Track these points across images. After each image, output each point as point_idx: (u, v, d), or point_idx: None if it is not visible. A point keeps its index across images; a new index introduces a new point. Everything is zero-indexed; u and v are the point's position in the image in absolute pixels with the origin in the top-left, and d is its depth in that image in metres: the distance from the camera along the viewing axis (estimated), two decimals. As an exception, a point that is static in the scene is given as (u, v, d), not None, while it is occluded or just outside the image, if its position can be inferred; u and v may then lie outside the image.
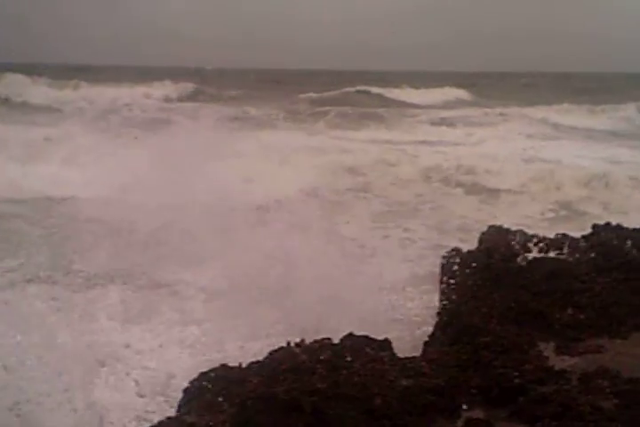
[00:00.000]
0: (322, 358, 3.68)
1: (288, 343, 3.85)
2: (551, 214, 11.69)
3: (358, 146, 17.66)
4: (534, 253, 5.59)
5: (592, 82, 55.49)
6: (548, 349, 4.11)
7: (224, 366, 3.72)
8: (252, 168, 13.68)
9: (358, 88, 39.39)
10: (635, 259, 5.23)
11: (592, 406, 3.33)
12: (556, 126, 25.20)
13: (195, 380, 3.65)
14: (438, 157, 16.36)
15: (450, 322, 4.43)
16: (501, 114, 28.18)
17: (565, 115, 28.59)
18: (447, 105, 35.95)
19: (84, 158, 14.08)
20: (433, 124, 26.08)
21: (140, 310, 6.75)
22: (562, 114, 28.69)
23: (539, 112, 28.55)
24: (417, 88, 42.22)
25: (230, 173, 13.52)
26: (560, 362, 3.92)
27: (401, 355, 4.06)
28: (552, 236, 5.90)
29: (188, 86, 36.50)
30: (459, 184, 13.96)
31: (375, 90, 39.86)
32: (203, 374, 3.66)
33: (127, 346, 5.90)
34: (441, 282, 5.45)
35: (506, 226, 6.18)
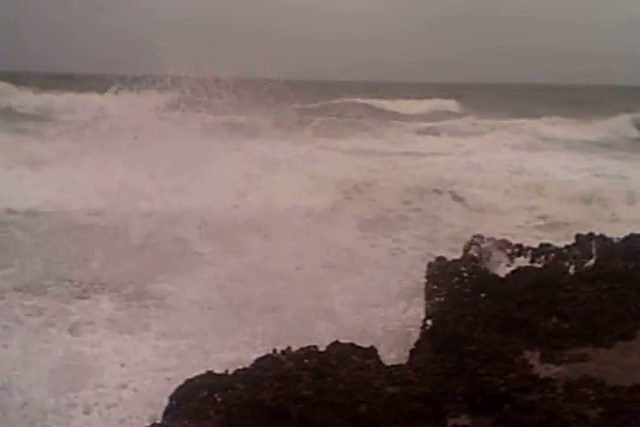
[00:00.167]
0: (308, 365, 3.68)
1: (274, 351, 3.85)
2: (537, 225, 11.77)
3: (345, 156, 17.71)
4: (519, 263, 5.63)
5: (579, 94, 56.05)
6: (532, 357, 4.12)
7: (210, 373, 3.71)
8: (242, 178, 13.69)
9: (349, 99, 39.49)
10: (618, 268, 5.27)
11: (577, 415, 3.34)
12: (545, 138, 25.37)
13: (180, 387, 3.64)
14: (423, 167, 16.45)
15: (435, 330, 4.46)
16: (490, 125, 28.39)
17: (554, 126, 28.83)
18: (436, 116, 36.11)
19: (73, 167, 14.02)
20: (420, 134, 26.22)
21: (127, 323, 6.70)
22: (551, 125, 28.94)
23: (528, 123, 28.76)
24: (407, 99, 42.41)
25: (220, 182, 13.54)
26: (545, 370, 3.94)
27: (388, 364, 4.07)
28: (536, 246, 5.96)
29: (175, 95, 36.41)
30: (446, 194, 14.01)
31: (366, 101, 40.01)
32: (188, 380, 3.65)
33: (107, 359, 5.82)
34: (426, 291, 5.47)
35: (490, 236, 6.23)
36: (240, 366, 4.02)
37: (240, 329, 6.47)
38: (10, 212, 11.53)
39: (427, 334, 4.63)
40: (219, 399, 3.47)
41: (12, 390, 4.95)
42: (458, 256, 5.99)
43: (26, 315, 6.67)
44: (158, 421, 3.62)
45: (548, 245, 6.04)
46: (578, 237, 6.19)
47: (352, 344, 4.04)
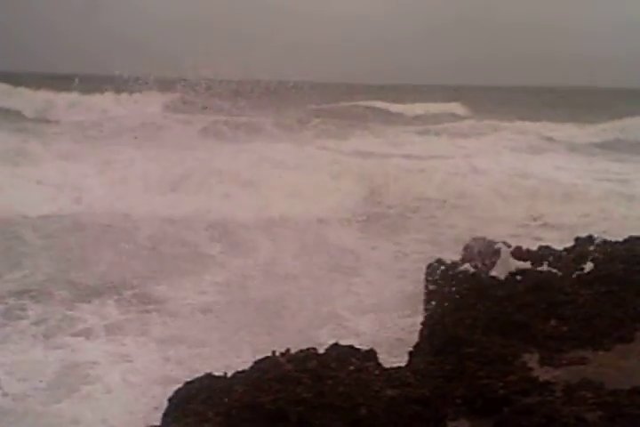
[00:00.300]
0: (307, 367, 3.68)
1: (273, 353, 3.85)
2: (537, 227, 11.77)
3: (349, 159, 17.67)
4: (518, 265, 5.63)
5: (580, 96, 56.05)
6: (532, 360, 4.12)
7: (209, 375, 3.72)
8: (242, 180, 13.72)
9: (353, 102, 39.49)
10: (617, 271, 5.27)
11: (576, 418, 3.34)
12: (546, 140, 25.37)
13: (180, 389, 3.64)
14: (426, 169, 16.43)
15: (434, 333, 4.46)
16: (492, 127, 28.43)
17: (556, 129, 28.85)
18: (440, 118, 36.09)
19: (74, 168, 14.05)
20: (423, 136, 26.22)
21: (128, 328, 6.70)
22: (553, 128, 28.96)
23: (530, 126, 28.79)
24: (413, 101, 42.39)
25: (220, 184, 13.58)
26: (544, 373, 3.94)
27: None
28: (536, 248, 5.96)
29: (176, 96, 36.39)
30: (448, 197, 13.99)
31: (369, 103, 40.01)
32: (188, 383, 3.66)
33: (100, 363, 5.81)
34: (425, 293, 5.48)
35: (490, 238, 6.24)
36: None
37: (240, 334, 6.49)
38: (17, 214, 11.51)
39: (426, 337, 4.64)
40: (218, 402, 3.47)
41: (7, 397, 4.97)
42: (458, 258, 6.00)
43: (29, 322, 6.71)
44: (157, 423, 3.63)
45: (547, 247, 6.05)
46: (577, 239, 6.20)
47: (351, 347, 4.04)
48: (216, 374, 3.74)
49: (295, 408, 3.27)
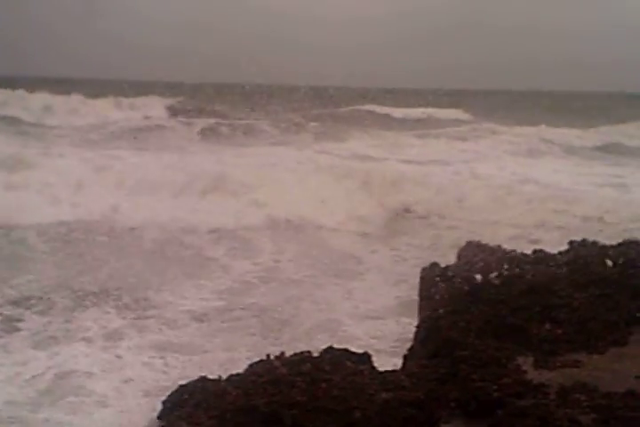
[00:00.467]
0: (302, 370, 3.69)
1: (268, 356, 3.87)
2: (533, 230, 11.76)
3: (349, 163, 17.64)
4: (512, 269, 5.64)
5: (578, 101, 56.05)
6: (526, 363, 4.13)
7: (203, 378, 3.73)
8: (244, 185, 13.74)
9: (354, 106, 39.51)
10: (611, 275, 5.29)
11: (570, 420, 3.35)
12: (545, 144, 25.35)
13: (174, 392, 3.65)
14: (426, 173, 16.41)
15: (429, 336, 4.47)
16: (491, 131, 28.42)
17: (555, 132, 28.82)
18: (440, 122, 36.09)
19: (75, 171, 14.02)
20: (423, 140, 26.18)
21: (125, 336, 6.69)
22: (552, 132, 28.94)
23: (530, 130, 28.78)
24: (414, 105, 42.43)
25: (221, 190, 13.61)
26: (538, 376, 3.95)
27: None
28: (530, 251, 5.97)
29: (176, 100, 36.50)
30: (447, 201, 13.97)
31: (370, 107, 40.03)
32: (182, 386, 3.67)
33: (95, 372, 5.79)
34: (420, 296, 5.49)
35: (486, 242, 6.26)
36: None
37: (239, 341, 6.50)
38: (16, 220, 11.50)
39: (420, 340, 4.65)
40: (212, 405, 3.48)
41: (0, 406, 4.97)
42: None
43: (27, 331, 6.71)
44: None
45: (541, 251, 6.06)
46: (571, 243, 6.21)
47: (346, 350, 4.06)
48: (210, 377, 3.75)
49: (289, 411, 3.29)
